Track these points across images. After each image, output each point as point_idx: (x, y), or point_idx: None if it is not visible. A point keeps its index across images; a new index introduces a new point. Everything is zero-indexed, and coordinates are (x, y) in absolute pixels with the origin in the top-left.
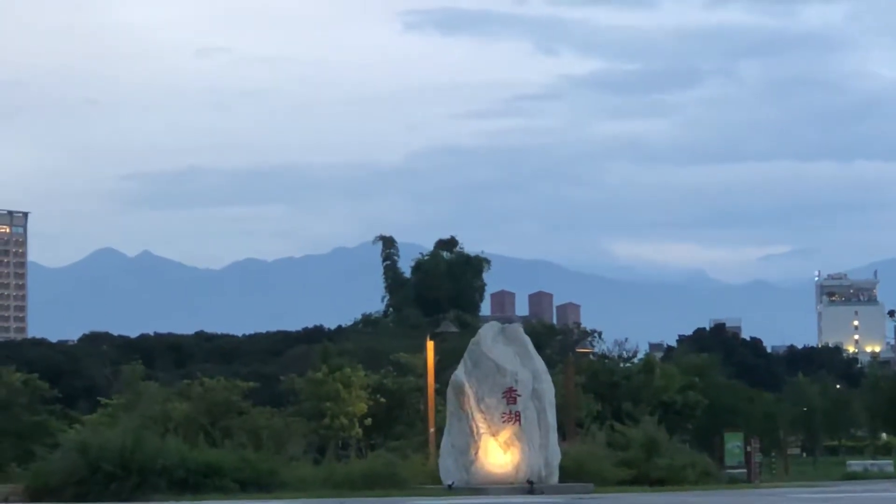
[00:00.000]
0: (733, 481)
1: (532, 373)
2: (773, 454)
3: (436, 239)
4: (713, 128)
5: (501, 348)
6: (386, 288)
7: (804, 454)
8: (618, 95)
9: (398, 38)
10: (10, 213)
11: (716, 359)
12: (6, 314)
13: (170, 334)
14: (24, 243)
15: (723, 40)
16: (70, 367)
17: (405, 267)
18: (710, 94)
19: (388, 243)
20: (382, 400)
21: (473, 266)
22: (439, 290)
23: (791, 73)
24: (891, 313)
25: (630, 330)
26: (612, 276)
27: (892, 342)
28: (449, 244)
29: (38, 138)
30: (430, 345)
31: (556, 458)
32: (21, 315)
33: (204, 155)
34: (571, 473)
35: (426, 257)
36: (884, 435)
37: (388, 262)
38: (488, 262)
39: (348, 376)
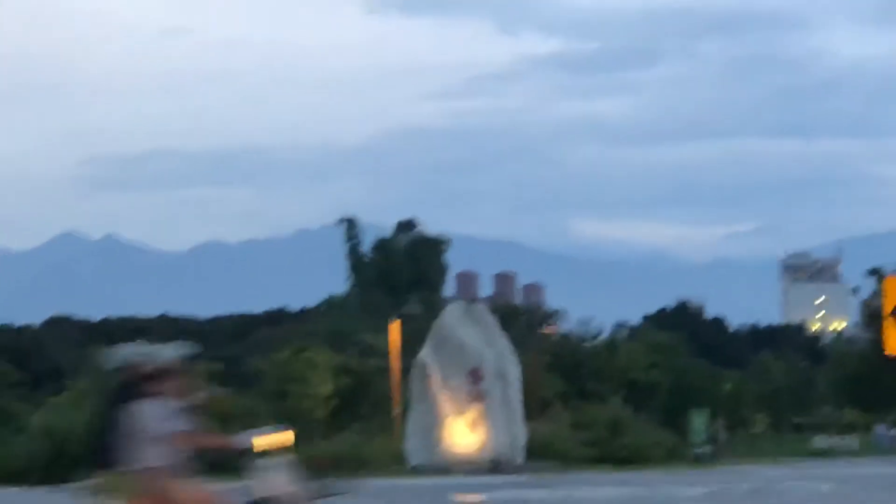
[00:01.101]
0: (698, 460)
1: (497, 353)
2: (739, 432)
3: (398, 220)
4: (675, 107)
5: (466, 329)
6: (349, 269)
7: (769, 432)
8: (579, 75)
9: (360, 19)
10: None
11: (680, 337)
12: None
13: (133, 317)
14: None
15: (683, 19)
16: (34, 352)
17: (368, 249)
18: (671, 73)
19: (350, 225)
20: (348, 381)
21: (433, 247)
22: (400, 272)
23: (752, 52)
24: (854, 290)
25: (595, 309)
26: (577, 255)
27: (857, 320)
28: (408, 225)
29: None
30: (395, 325)
31: (522, 437)
32: None
33: (167, 138)
34: (537, 453)
35: (385, 239)
36: (848, 412)
37: (351, 244)
38: (448, 242)
39: (313, 358)
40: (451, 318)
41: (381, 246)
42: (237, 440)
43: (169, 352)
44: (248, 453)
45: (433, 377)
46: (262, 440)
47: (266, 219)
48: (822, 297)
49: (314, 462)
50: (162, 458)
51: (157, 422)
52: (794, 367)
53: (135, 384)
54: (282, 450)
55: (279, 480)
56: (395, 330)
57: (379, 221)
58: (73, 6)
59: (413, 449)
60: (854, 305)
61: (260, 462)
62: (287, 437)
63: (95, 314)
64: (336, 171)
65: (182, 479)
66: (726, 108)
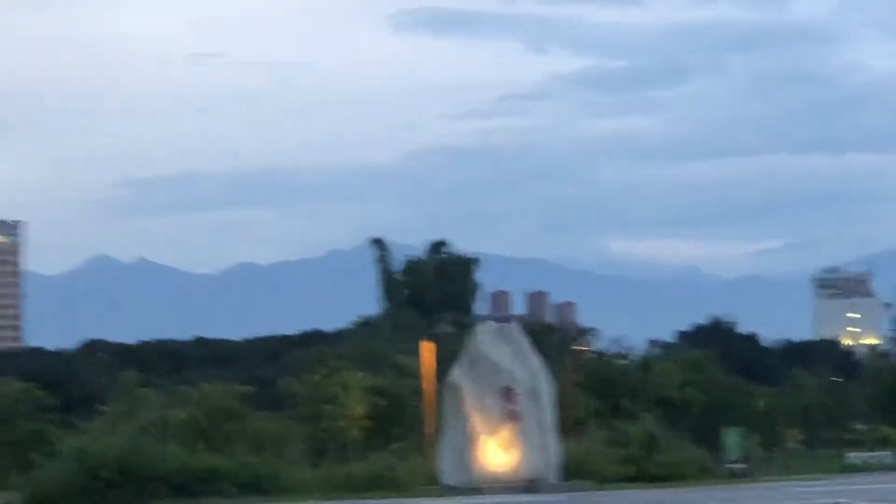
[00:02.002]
0: (733, 476)
1: (530, 372)
2: (773, 449)
3: (429, 240)
4: (703, 123)
5: (499, 348)
6: (381, 290)
7: (803, 448)
8: (608, 93)
9: (388, 39)
10: (4, 222)
11: (713, 354)
12: (3, 324)
13: (167, 340)
14: (18, 252)
15: (710, 36)
16: (68, 376)
17: (399, 269)
18: (699, 90)
19: (381, 246)
20: (382, 402)
21: (464, 266)
22: (432, 292)
23: (779, 67)
24: (887, 305)
25: (627, 327)
26: (607, 273)
27: (890, 334)
28: (438, 245)
29: (31, 148)
30: (427, 346)
31: (556, 456)
32: (17, 324)
33: (197, 160)
34: (571, 471)
35: (416, 259)
36: (883, 427)
37: (382, 265)
38: (478, 261)
39: (347, 379)
40: (484, 337)
41: (412, 266)
42: None
43: None
44: None
45: (466, 397)
46: None
47: (297, 240)
48: (855, 313)
49: None
50: None
51: None
52: (827, 383)
53: None
54: None
55: None
56: (427, 350)
57: (410, 242)
58: (104, 32)
59: (447, 469)
60: (886, 320)
61: None
62: None
63: (129, 338)
64: (366, 192)
65: None
66: (756, 123)
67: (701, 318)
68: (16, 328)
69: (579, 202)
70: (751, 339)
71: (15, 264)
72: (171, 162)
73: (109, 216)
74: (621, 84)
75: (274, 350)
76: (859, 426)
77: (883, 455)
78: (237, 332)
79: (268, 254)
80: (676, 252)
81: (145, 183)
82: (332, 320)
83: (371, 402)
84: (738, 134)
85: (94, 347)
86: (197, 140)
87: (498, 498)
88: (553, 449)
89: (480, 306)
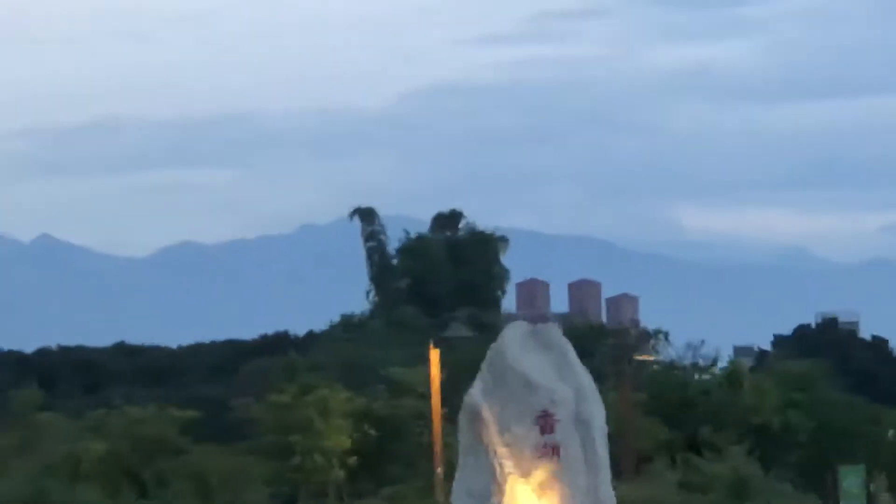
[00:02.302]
0: None
1: (575, 390)
2: None
3: (436, 210)
4: (814, 51)
5: (532, 357)
6: (371, 279)
7: None
8: (680, 10)
9: None
10: None
11: (826, 366)
12: None
13: (79, 347)
14: None
15: None
16: None
17: (395, 251)
18: (804, 5)
19: (369, 218)
20: (372, 431)
21: (485, 247)
22: (442, 282)
23: None
24: None
25: (708, 329)
26: (680, 256)
27: None
28: (450, 218)
29: None
30: (435, 354)
31: None
32: None
33: (121, 102)
34: None
35: (419, 237)
36: None
37: (372, 244)
38: (505, 240)
39: (324, 400)
40: (512, 343)
41: (414, 247)
42: None
43: None
44: None
45: (488, 424)
46: None
47: (258, 211)
48: None
49: None
50: None
51: None
52: None
53: None
54: None
55: None
56: (434, 360)
57: (410, 213)
58: None
59: None
60: None
61: None
62: None
63: (26, 344)
64: (351, 147)
65: None
66: (880, 52)
67: (809, 318)
68: None
69: (641, 160)
70: (877, 346)
71: None
72: (87, 104)
73: (2, 178)
74: None
75: (225, 361)
76: None
77: None
78: (174, 336)
79: (217, 230)
80: (775, 228)
81: (51, 132)
82: (305, 320)
83: (358, 432)
84: (857, 66)
85: None
86: (122, 75)
87: None
88: (606, 495)
89: (508, 301)
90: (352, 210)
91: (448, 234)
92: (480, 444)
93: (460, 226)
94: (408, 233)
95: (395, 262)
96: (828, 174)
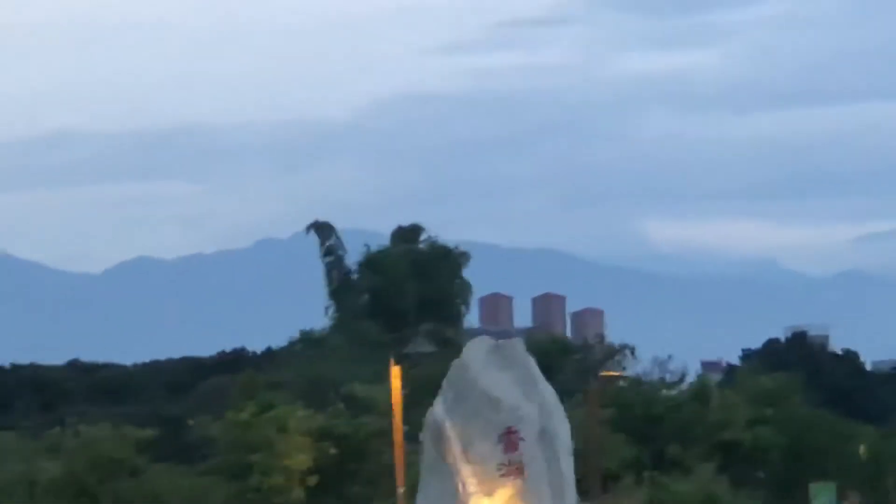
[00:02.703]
0: None
1: (539, 406)
2: None
3: (397, 223)
4: (784, 59)
5: (496, 374)
6: (330, 294)
7: None
8: (652, 17)
9: None
10: None
11: (797, 381)
12: None
13: (32, 365)
14: None
15: None
16: None
17: (356, 265)
18: (776, 12)
19: (325, 233)
20: (332, 450)
21: (447, 261)
22: (402, 297)
23: None
24: None
25: (675, 344)
26: (647, 269)
27: None
28: (411, 232)
29: None
30: (396, 371)
31: None
32: None
33: (75, 115)
34: None
35: (379, 251)
36: None
37: (331, 259)
38: (467, 254)
39: (284, 418)
40: (475, 358)
41: (374, 261)
42: None
43: None
44: None
45: (451, 442)
46: None
47: (215, 226)
48: None
49: None
50: None
51: None
52: None
53: None
54: None
55: None
56: (396, 377)
57: (371, 226)
58: None
59: None
60: None
61: None
62: None
63: None
64: (312, 158)
65: None
66: (854, 60)
67: (778, 332)
68: None
69: (608, 170)
70: (848, 360)
71: None
72: (43, 118)
73: None
74: (670, 5)
75: (182, 378)
76: None
77: None
78: (129, 354)
79: (174, 244)
80: (744, 240)
81: (4, 146)
82: (263, 336)
83: (318, 450)
84: (834, 73)
85: None
86: (78, 86)
87: None
88: None
89: (471, 315)
90: (307, 225)
91: (410, 248)
92: (443, 463)
93: (421, 239)
94: (368, 247)
95: (354, 276)
96: (799, 184)
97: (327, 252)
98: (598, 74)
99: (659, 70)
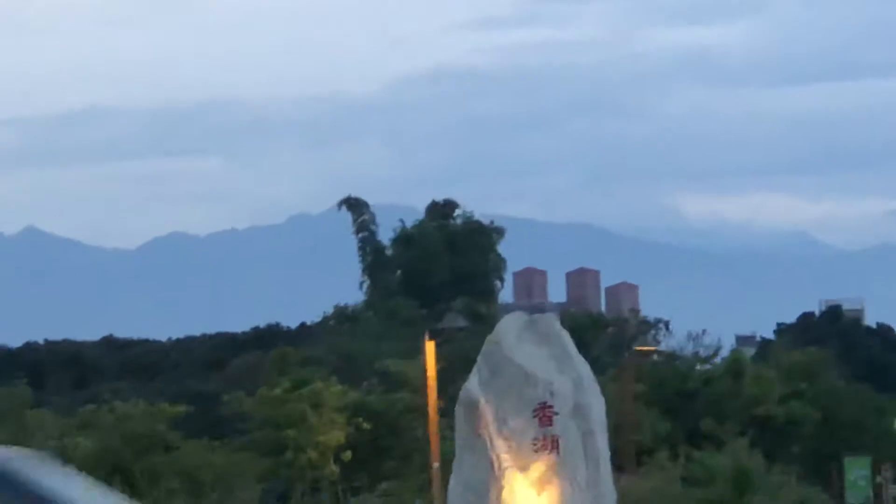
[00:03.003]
0: None
1: (573, 382)
2: None
3: (430, 199)
4: (815, 33)
5: (530, 348)
6: (364, 270)
7: None
8: None
9: None
10: None
11: (830, 355)
12: None
13: (66, 341)
14: None
15: None
16: None
17: (389, 241)
18: None
19: (358, 209)
20: (366, 425)
21: (481, 236)
22: (437, 272)
23: None
24: None
25: (709, 318)
26: (680, 243)
27: None
28: (444, 207)
29: None
30: (430, 346)
31: (611, 498)
32: None
33: (107, 90)
34: None
35: (413, 227)
36: None
37: (364, 235)
38: (501, 229)
39: (318, 393)
40: (509, 334)
41: (408, 237)
42: None
43: None
44: None
45: (485, 417)
46: None
47: (248, 201)
48: None
49: None
50: None
51: None
52: None
53: None
54: None
55: None
56: (430, 352)
57: (403, 202)
58: None
59: None
60: None
61: None
62: None
63: (13, 338)
64: (343, 134)
65: None
66: (884, 33)
67: (812, 306)
68: None
69: (640, 145)
70: (882, 333)
71: None
72: (71, 93)
73: None
74: None
75: (216, 354)
76: None
77: None
78: (163, 330)
79: (206, 221)
80: (777, 214)
81: (34, 122)
82: (297, 312)
83: (352, 426)
84: (864, 47)
85: None
86: (109, 63)
87: None
88: (607, 488)
89: (505, 291)
90: (340, 200)
91: (443, 224)
92: (478, 438)
93: (455, 215)
94: (402, 222)
95: (388, 252)
96: (831, 158)
97: (360, 228)
98: (628, 50)
99: (689, 45)
